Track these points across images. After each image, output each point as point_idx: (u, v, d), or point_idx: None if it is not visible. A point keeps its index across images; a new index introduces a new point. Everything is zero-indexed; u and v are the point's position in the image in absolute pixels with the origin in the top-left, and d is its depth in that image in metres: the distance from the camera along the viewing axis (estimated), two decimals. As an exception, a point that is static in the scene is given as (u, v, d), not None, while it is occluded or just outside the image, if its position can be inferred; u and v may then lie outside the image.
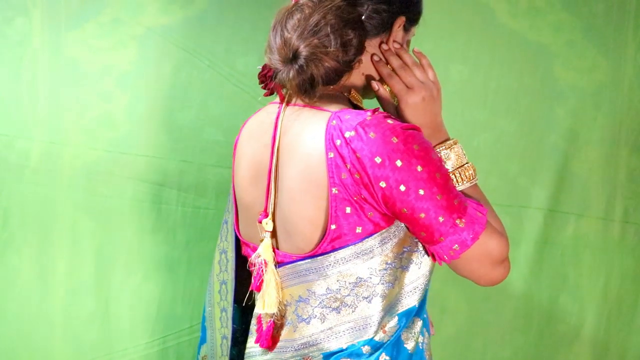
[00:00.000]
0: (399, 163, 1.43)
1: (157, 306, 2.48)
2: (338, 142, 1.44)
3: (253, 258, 1.56)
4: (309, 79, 1.46)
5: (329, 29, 1.46)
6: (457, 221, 1.46)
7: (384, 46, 1.59)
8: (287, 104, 1.57)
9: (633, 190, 2.69)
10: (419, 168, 1.44)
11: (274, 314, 1.56)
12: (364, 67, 1.58)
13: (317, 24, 1.45)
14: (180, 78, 2.47)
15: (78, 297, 2.44)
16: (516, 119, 2.66)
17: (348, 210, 1.47)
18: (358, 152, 1.43)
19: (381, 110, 1.54)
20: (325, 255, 1.50)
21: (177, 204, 2.47)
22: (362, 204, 1.47)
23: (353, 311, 1.51)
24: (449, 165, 1.55)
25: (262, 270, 1.55)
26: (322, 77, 1.47)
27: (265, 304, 1.56)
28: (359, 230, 1.49)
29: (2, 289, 2.39)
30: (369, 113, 1.46)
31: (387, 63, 1.59)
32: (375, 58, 1.59)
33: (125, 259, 2.46)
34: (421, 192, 1.45)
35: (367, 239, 1.49)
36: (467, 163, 1.58)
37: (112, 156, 2.42)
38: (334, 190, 1.46)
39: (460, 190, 1.52)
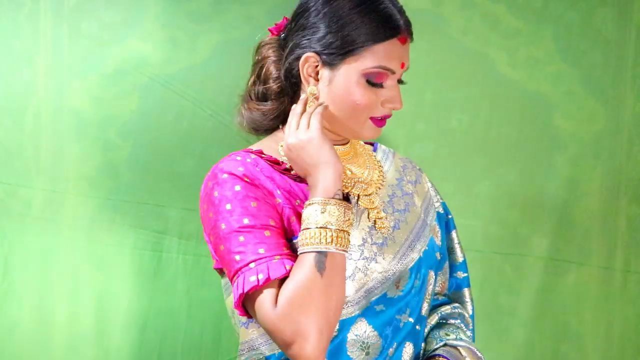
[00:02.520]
0: (204, 207, 1.60)
1: (157, 354, 2.46)
2: None
3: None
4: (241, 125, 1.76)
5: (251, 81, 1.76)
6: (234, 277, 1.51)
7: (303, 96, 1.66)
8: None
9: (634, 239, 2.69)
10: (210, 214, 1.57)
11: None
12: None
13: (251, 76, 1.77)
14: (182, 127, 2.48)
15: (78, 346, 2.42)
16: (516, 167, 2.67)
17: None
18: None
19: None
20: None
21: (178, 252, 2.47)
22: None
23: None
24: (321, 221, 1.49)
25: None
26: (248, 124, 1.75)
27: None
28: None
29: (2, 339, 2.37)
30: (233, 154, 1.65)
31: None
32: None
33: (126, 308, 2.45)
34: (211, 237, 1.59)
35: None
36: (346, 232, 1.51)
37: (114, 204, 2.43)
38: None
39: (313, 251, 1.48)
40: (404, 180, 1.83)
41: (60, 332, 2.41)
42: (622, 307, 2.70)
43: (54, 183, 2.39)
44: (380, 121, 1.66)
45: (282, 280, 1.48)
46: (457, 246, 1.95)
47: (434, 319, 1.83)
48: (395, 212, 1.73)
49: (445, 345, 1.77)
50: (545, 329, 2.69)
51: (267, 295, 1.47)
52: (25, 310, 2.38)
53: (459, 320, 1.87)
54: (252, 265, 1.48)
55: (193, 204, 2.42)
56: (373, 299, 1.62)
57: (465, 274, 1.94)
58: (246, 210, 1.54)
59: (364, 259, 1.61)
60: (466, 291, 1.94)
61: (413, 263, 1.69)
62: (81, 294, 2.41)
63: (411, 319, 1.68)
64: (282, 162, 1.68)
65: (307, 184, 1.59)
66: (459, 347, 1.77)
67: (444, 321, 1.86)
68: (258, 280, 1.46)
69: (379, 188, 1.75)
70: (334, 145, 1.68)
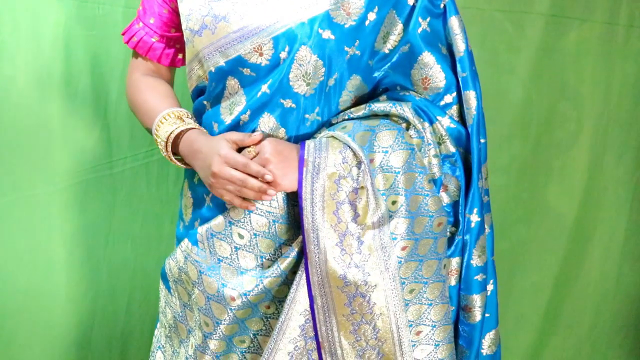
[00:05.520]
0: None
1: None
2: None
3: None
4: None
5: None
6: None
7: None
8: None
9: (640, -8, 2.64)
10: None
11: None
12: None
13: None
14: None
15: (76, 106, 2.41)
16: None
17: None
18: None
19: None
20: None
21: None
22: None
23: None
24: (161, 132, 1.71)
25: None
26: None
27: None
28: None
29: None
30: None
31: None
32: None
33: (122, 70, 2.42)
34: None
35: None
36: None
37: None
38: None
39: None
40: None
41: (57, 90, 2.37)
42: (623, 64, 2.69)
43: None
44: None
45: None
46: (456, 37, 1.67)
47: (360, 111, 1.69)
48: None
49: (331, 137, 1.64)
50: (544, 86, 2.69)
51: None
52: (20, 70, 2.34)
53: (397, 123, 1.68)
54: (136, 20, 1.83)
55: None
56: (228, 58, 1.65)
57: (465, 73, 1.67)
58: None
59: (212, 16, 1.65)
60: (469, 94, 1.68)
61: (277, 34, 1.62)
62: (74, 52, 2.37)
63: (268, 90, 1.65)
64: None
65: None
66: (347, 143, 1.61)
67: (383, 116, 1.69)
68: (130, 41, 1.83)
69: None
70: None
